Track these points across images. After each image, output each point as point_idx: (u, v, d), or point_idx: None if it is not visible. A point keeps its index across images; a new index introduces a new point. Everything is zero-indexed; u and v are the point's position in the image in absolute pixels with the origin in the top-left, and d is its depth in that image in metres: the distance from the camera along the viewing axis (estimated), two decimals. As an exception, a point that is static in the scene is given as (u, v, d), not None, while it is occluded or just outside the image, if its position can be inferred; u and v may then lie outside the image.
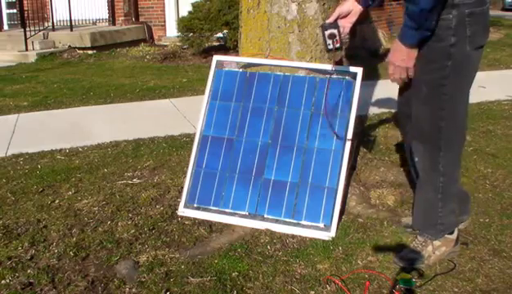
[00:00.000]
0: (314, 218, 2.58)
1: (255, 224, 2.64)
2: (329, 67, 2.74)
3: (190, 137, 4.15)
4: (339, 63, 2.93)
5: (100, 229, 2.67)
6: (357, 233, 2.57)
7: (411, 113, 2.25)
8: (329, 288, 2.14)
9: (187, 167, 2.89)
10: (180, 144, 4.07)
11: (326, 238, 2.51)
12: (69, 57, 9.16)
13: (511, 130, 4.34)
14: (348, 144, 2.65)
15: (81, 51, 9.36)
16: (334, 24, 2.30)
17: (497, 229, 2.61)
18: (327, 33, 2.29)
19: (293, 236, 2.55)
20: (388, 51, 8.95)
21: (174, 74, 7.46)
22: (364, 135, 3.92)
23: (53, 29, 9.95)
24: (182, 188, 2.91)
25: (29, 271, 2.29)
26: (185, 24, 8.55)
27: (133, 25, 10.69)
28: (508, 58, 8.30)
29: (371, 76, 6.40)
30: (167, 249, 2.46)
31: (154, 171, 3.47)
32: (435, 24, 1.99)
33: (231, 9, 8.11)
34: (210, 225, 2.68)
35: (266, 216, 2.65)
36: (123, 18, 10.80)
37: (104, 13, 10.99)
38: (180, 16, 9.55)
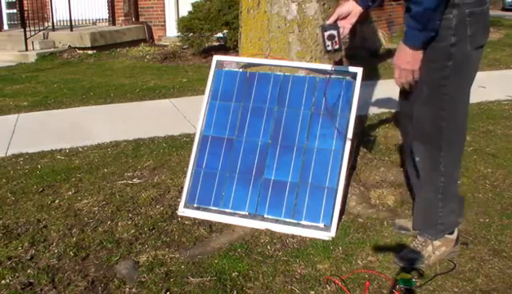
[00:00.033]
0: (314, 218, 2.58)
1: (255, 224, 2.64)
2: (329, 67, 2.74)
3: (190, 137, 4.14)
4: (339, 63, 2.93)
5: (100, 229, 2.67)
6: (357, 233, 2.57)
7: (413, 114, 2.25)
8: (329, 288, 2.14)
9: (187, 167, 2.89)
10: (180, 144, 4.07)
11: (326, 238, 2.51)
12: (69, 57, 9.15)
13: (511, 130, 4.34)
14: (348, 144, 2.66)
15: (81, 51, 9.36)
16: (334, 26, 2.29)
17: (497, 229, 2.61)
18: (326, 34, 2.28)
19: (293, 236, 2.55)
20: (388, 51, 8.95)
21: (174, 74, 7.46)
22: (364, 135, 3.92)
23: (53, 29, 9.94)
24: (182, 188, 2.91)
25: (29, 271, 2.29)
26: (185, 24, 8.55)
27: (133, 25, 10.69)
28: (508, 58, 8.30)
29: (371, 76, 6.40)
30: (167, 249, 2.46)
31: (154, 171, 3.47)
32: (439, 25, 1.98)
33: (231, 9, 8.11)
34: (210, 225, 2.68)
35: (266, 216, 2.65)
36: (123, 18, 10.80)
37: (104, 13, 10.99)
38: (180, 16, 9.55)
